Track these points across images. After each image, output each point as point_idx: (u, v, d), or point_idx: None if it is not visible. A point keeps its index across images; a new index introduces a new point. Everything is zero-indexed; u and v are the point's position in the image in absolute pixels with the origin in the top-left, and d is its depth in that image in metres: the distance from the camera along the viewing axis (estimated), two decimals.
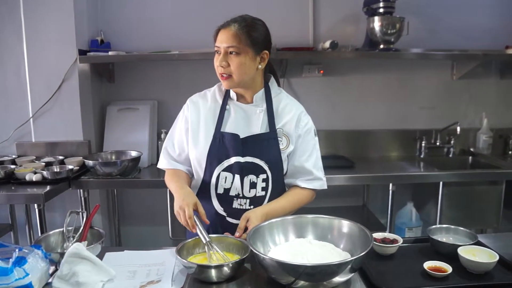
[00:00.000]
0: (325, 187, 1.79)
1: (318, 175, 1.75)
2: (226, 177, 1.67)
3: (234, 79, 1.62)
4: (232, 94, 1.74)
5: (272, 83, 1.79)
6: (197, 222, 1.47)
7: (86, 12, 3.00)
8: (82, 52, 2.92)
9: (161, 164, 1.82)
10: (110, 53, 2.96)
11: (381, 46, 3.05)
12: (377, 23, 2.98)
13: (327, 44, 2.97)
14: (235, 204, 1.68)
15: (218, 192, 1.69)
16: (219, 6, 3.15)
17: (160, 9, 3.21)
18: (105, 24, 3.20)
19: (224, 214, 1.69)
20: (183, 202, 1.52)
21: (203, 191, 1.72)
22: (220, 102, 1.75)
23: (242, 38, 1.57)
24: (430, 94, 3.45)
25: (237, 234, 1.49)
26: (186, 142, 1.75)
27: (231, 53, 1.59)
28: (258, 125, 1.69)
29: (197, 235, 1.45)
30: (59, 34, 2.85)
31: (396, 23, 2.98)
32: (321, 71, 3.30)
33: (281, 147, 1.69)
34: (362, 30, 3.17)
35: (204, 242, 1.42)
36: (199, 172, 1.73)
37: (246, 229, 1.50)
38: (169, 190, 1.72)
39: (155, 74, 3.30)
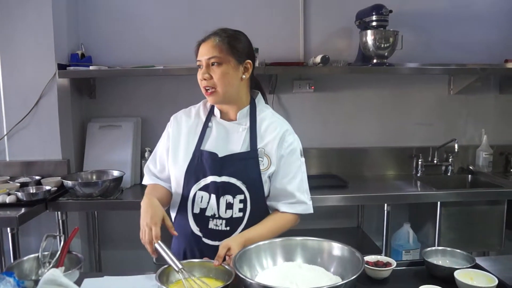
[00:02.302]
0: (310, 211, 1.77)
1: (301, 199, 1.74)
2: (202, 197, 1.69)
3: (218, 91, 1.65)
4: (216, 111, 1.77)
5: (259, 99, 1.82)
6: (165, 249, 1.45)
7: (66, 25, 3.03)
8: (61, 67, 2.93)
9: (144, 181, 1.88)
10: (91, 67, 2.98)
11: (374, 61, 3.09)
12: (370, 37, 3.02)
13: (318, 59, 3.00)
14: (211, 225, 1.69)
15: (195, 211, 1.70)
16: (205, 20, 3.19)
17: (144, 22, 3.24)
18: (86, 37, 3.23)
19: (200, 234, 1.70)
20: (150, 220, 1.51)
21: (181, 210, 1.74)
22: (204, 119, 1.78)
23: (223, 48, 1.64)
24: (427, 110, 3.50)
25: (215, 262, 1.46)
26: (167, 160, 1.79)
27: (213, 64, 1.64)
28: (239, 144, 1.71)
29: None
30: (36, 47, 2.86)
31: (390, 37, 3.02)
32: (312, 87, 3.34)
33: (261, 167, 1.69)
34: (355, 44, 3.24)
35: (177, 269, 1.38)
36: (177, 190, 1.75)
37: (225, 258, 1.49)
38: None
39: (139, 90, 3.31)
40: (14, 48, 2.87)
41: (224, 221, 1.68)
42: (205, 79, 1.65)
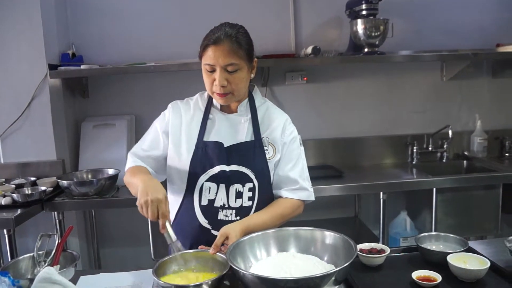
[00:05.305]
0: (312, 198, 1.81)
1: (303, 185, 1.77)
2: (210, 187, 1.69)
3: (234, 95, 1.67)
4: (215, 103, 1.77)
5: (256, 92, 1.84)
6: (167, 222, 1.48)
7: (55, 25, 3.02)
8: (52, 67, 2.92)
9: (126, 165, 1.79)
10: (82, 67, 2.97)
11: (366, 50, 3.09)
12: (360, 26, 3.02)
13: (309, 50, 3.00)
14: (221, 216, 1.69)
15: (202, 203, 1.70)
16: (195, 15, 3.19)
17: (134, 20, 3.23)
18: (76, 36, 3.22)
19: (208, 227, 1.70)
20: (156, 194, 1.47)
21: (186, 204, 1.73)
22: (203, 110, 1.78)
23: (239, 53, 1.61)
24: (420, 97, 3.51)
25: (212, 251, 1.47)
26: (163, 143, 1.76)
27: (229, 70, 1.61)
28: (244, 134, 1.73)
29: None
30: (27, 48, 2.85)
31: (380, 25, 3.02)
32: (305, 78, 3.34)
33: (267, 156, 1.72)
34: (346, 34, 3.24)
35: (169, 242, 1.44)
36: (180, 185, 1.74)
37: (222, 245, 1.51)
38: None
39: (131, 88, 3.31)
40: (4, 50, 2.86)
41: (234, 211, 1.69)
42: (223, 86, 1.61)
